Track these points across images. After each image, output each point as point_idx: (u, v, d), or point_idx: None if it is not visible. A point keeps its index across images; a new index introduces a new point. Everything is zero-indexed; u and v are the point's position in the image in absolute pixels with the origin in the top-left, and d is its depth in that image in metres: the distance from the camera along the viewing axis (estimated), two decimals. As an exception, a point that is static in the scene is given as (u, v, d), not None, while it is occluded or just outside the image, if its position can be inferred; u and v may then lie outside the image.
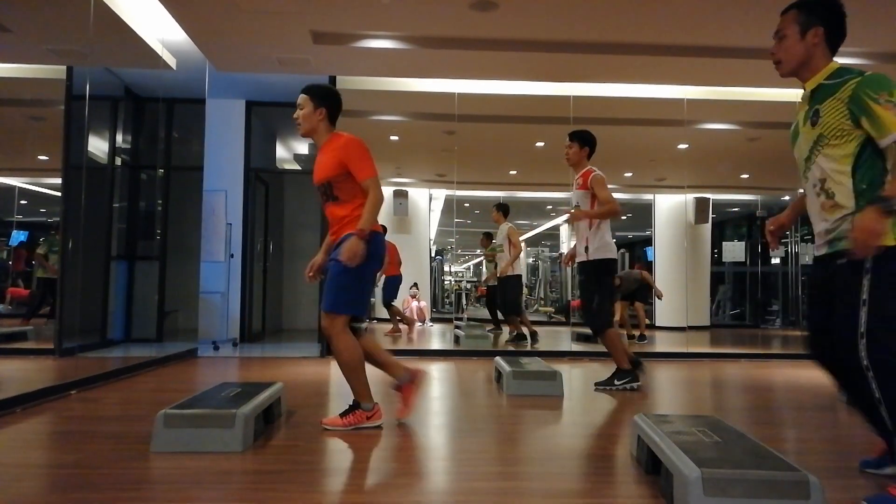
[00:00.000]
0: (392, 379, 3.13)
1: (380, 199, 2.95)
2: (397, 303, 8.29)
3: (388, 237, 8.32)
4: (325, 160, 3.01)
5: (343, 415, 3.01)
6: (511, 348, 6.76)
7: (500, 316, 7.57)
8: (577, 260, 4.42)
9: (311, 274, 3.17)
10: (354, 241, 2.83)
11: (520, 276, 7.25)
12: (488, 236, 8.47)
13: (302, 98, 3.07)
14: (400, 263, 8.14)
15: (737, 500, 1.78)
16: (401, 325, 8.09)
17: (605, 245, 4.31)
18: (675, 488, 1.89)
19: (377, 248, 3.00)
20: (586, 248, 4.32)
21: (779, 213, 2.44)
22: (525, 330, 7.10)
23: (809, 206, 2.23)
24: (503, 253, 7.12)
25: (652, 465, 2.27)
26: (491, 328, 7.58)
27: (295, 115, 3.08)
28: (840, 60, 2.21)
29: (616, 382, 4.28)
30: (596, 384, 4.32)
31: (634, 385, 4.27)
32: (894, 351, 1.93)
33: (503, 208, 7.37)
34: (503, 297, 7.24)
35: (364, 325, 7.90)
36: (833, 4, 2.20)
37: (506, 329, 7.47)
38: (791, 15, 2.24)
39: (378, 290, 8.13)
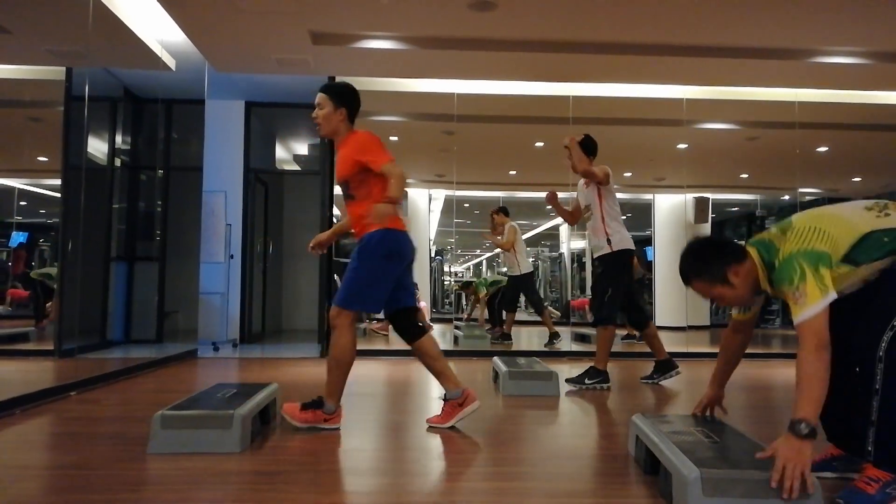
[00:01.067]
0: (443, 389, 3.07)
1: (403, 175, 2.83)
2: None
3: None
4: (341, 158, 2.99)
5: (304, 408, 2.97)
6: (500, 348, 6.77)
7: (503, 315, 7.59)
8: (599, 253, 4.42)
9: (312, 246, 3.24)
10: (382, 206, 2.74)
11: (530, 274, 7.38)
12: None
13: (321, 97, 2.99)
14: None
15: (736, 500, 1.77)
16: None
17: (624, 237, 4.38)
18: (675, 489, 1.88)
19: (397, 246, 2.94)
20: (608, 241, 4.36)
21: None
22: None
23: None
24: (509, 254, 7.22)
25: (650, 466, 2.26)
26: (489, 328, 7.60)
27: (314, 115, 3.00)
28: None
29: (587, 381, 4.30)
30: (567, 380, 4.34)
31: (604, 385, 4.31)
32: None
33: (502, 211, 7.44)
34: (529, 296, 7.46)
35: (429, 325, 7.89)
36: (708, 248, 2.19)
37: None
38: (700, 286, 2.18)
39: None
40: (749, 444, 2.13)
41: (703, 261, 2.17)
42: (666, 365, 4.54)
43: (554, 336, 6.93)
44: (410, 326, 3.07)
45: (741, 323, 2.41)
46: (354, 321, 2.98)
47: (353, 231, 3.06)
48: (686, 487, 1.78)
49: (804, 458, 1.78)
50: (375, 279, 2.94)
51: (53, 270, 5.71)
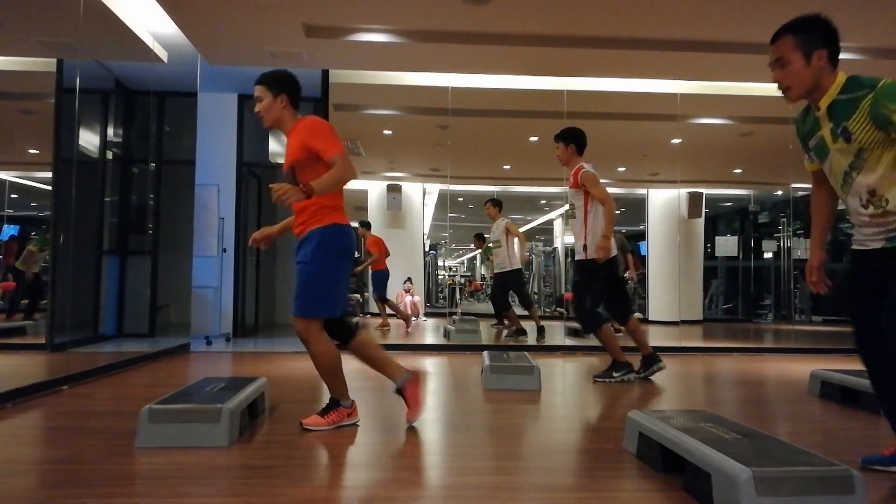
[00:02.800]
0: (392, 383, 2.95)
1: (346, 174, 2.69)
2: (390, 296, 8.29)
3: (378, 231, 8.31)
4: (290, 146, 2.87)
5: (324, 413, 2.90)
6: (512, 343, 6.75)
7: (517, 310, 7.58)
8: (576, 258, 4.47)
9: (256, 238, 3.05)
10: (296, 190, 2.54)
11: (521, 270, 7.28)
12: (480, 237, 8.46)
13: (258, 90, 2.88)
14: (387, 256, 8.12)
15: (786, 499, 1.76)
16: (394, 320, 8.09)
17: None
18: (718, 488, 1.85)
19: (348, 243, 2.86)
20: (584, 247, 4.37)
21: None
22: (524, 324, 7.14)
23: (855, 216, 2.25)
24: (501, 248, 7.09)
25: (663, 463, 2.24)
26: (495, 323, 7.61)
27: (256, 110, 2.91)
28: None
29: (614, 374, 4.40)
30: (595, 377, 4.44)
31: (630, 377, 4.41)
32: None
33: (498, 204, 7.34)
34: (517, 291, 7.27)
35: (356, 319, 7.90)
36: (828, 24, 2.21)
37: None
38: (789, 41, 2.22)
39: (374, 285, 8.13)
40: (769, 439, 2.12)
41: (814, 28, 2.21)
42: (650, 359, 4.52)
43: (541, 330, 6.95)
44: (344, 328, 2.93)
45: (817, 174, 2.42)
46: (322, 326, 2.82)
47: (297, 224, 2.87)
48: (737, 488, 1.76)
49: None
50: (336, 278, 2.82)
51: (32, 244, 5.66)
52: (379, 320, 8.13)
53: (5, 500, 1.95)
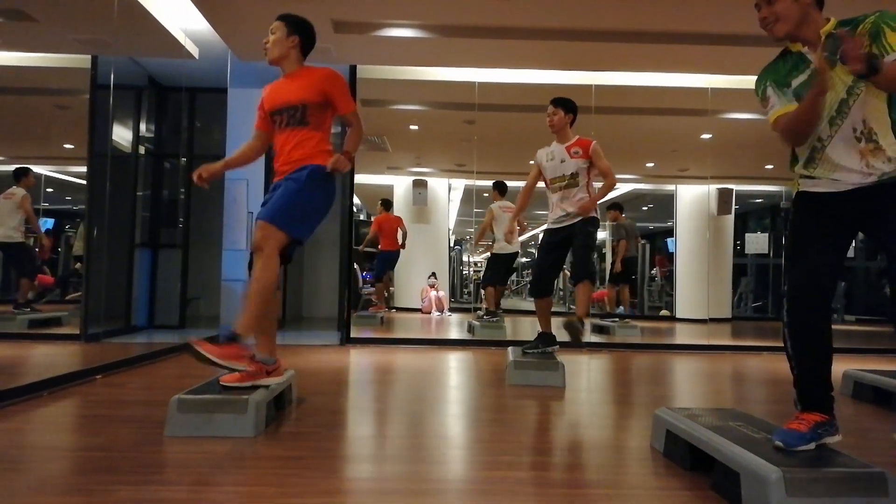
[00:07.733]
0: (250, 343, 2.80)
1: (362, 131, 3.02)
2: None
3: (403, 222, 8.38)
4: (301, 85, 2.99)
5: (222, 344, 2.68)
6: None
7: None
8: (574, 221, 4.32)
9: (200, 175, 3.02)
10: (344, 158, 2.83)
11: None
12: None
13: (275, 24, 3.07)
14: (396, 238, 8.14)
15: (817, 500, 1.73)
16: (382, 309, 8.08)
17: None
18: (747, 488, 1.82)
19: (335, 193, 3.05)
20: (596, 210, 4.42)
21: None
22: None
23: (838, 156, 2.12)
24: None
25: (691, 461, 2.22)
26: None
27: (265, 41, 3.06)
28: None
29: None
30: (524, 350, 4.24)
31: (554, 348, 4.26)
32: None
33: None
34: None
35: (382, 314, 7.92)
36: None
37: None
38: None
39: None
40: None
41: None
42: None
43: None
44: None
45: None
46: (280, 248, 2.77)
47: (290, 160, 2.95)
48: (767, 488, 1.73)
49: None
50: (317, 211, 2.94)
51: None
52: (410, 314, 8.15)
53: (40, 485, 2.01)
